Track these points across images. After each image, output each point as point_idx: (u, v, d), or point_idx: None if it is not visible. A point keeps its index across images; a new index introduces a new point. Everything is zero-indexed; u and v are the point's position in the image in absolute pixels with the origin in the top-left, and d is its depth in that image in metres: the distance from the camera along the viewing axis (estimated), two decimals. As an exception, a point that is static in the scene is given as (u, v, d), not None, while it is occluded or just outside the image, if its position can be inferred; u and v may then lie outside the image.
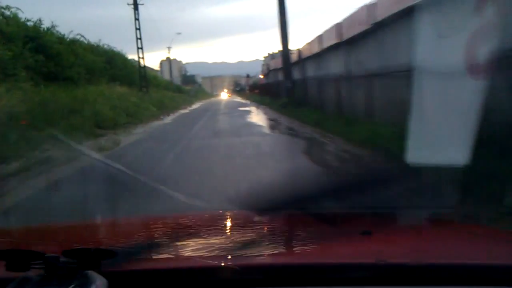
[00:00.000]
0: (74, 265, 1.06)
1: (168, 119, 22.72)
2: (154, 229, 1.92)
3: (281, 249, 1.62)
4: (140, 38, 29.90)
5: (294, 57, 23.44)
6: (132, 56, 35.84)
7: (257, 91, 51.71)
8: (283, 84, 24.10)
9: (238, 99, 61.33)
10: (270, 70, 41.70)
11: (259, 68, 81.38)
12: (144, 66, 31.64)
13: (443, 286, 1.18)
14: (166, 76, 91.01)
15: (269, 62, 48.78)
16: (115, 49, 30.24)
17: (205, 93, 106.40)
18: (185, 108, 35.33)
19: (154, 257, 1.41)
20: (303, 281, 1.21)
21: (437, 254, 1.34)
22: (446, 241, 1.56)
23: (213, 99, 77.78)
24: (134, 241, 1.66)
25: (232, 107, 32.28)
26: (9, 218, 5.03)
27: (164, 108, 28.62)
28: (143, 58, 30.60)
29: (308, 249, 1.52)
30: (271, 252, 1.50)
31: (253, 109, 28.04)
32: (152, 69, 73.69)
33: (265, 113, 22.88)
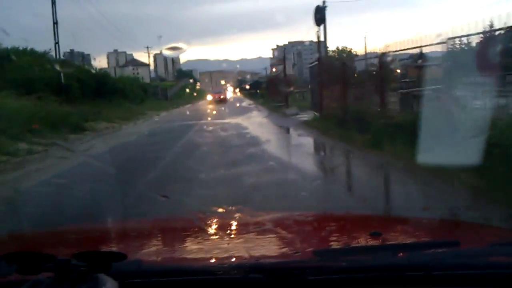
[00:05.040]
0: (84, 268, 1.03)
1: None
2: (162, 232, 1.90)
3: (288, 250, 1.55)
4: None
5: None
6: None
7: None
8: None
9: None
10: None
11: (261, 65, 77.84)
12: None
13: None
14: (161, 72, 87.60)
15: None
16: None
17: (193, 93, 66.10)
18: None
19: (163, 258, 1.45)
20: (310, 282, 1.18)
21: (446, 255, 1.27)
22: (453, 242, 1.40)
23: (186, 108, 36.06)
24: (143, 244, 1.64)
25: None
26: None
27: None
28: None
29: (319, 250, 1.41)
30: (277, 253, 1.51)
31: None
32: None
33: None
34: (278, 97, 25.55)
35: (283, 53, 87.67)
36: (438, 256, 1.23)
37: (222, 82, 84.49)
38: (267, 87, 34.69)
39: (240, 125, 14.27)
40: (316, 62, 14.65)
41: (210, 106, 31.69)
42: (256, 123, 15.32)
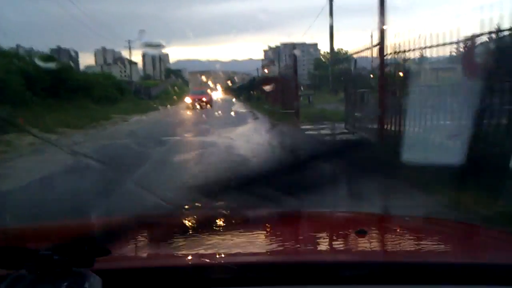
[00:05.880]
0: (67, 262, 1.00)
1: None
2: (149, 228, 1.81)
3: (277, 247, 1.53)
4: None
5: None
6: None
7: None
8: None
9: None
10: None
11: (252, 67, 76.11)
12: None
13: (435, 286, 1.15)
14: (149, 70, 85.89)
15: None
16: None
17: (179, 93, 59.98)
18: None
19: (148, 255, 1.46)
20: (299, 279, 1.16)
21: (432, 253, 1.30)
22: (441, 240, 1.49)
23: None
24: (129, 239, 1.57)
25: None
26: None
27: None
28: None
29: (304, 247, 1.47)
30: (267, 250, 1.48)
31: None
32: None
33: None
34: (282, 102, 20.12)
35: (277, 53, 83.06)
36: (424, 254, 1.24)
37: (208, 82, 76.57)
38: (263, 88, 28.88)
39: (232, 150, 8.69)
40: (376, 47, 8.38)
41: (195, 111, 25.91)
42: (260, 146, 9.56)
